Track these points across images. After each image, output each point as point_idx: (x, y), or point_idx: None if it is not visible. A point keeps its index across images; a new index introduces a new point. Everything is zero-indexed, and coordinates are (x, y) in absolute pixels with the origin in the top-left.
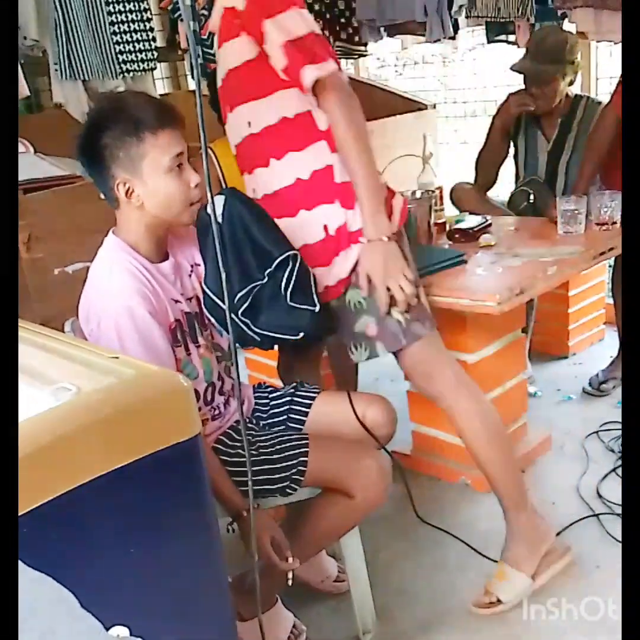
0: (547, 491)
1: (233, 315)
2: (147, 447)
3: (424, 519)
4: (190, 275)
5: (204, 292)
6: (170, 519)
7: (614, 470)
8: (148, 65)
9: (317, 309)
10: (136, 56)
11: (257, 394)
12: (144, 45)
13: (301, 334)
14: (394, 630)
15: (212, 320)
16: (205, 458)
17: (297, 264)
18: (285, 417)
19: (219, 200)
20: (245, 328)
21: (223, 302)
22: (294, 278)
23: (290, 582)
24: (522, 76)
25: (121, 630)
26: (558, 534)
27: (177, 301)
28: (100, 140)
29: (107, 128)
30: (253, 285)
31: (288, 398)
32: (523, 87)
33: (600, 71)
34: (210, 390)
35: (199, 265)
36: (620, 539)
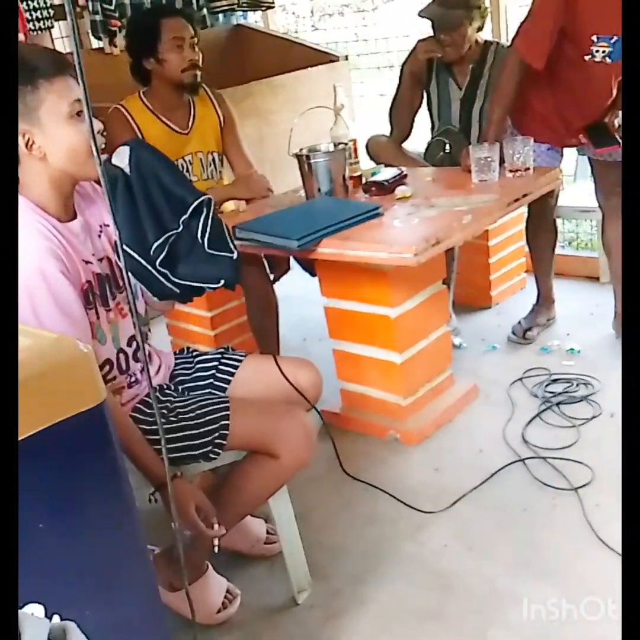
0: (475, 440)
1: (150, 267)
2: (49, 418)
3: (352, 475)
4: (99, 236)
5: (115, 246)
6: (80, 490)
7: (537, 415)
8: (44, 23)
9: (235, 255)
10: (31, 14)
11: (179, 359)
12: (38, 3)
13: (222, 282)
14: (328, 587)
15: (131, 277)
16: (119, 426)
17: (211, 211)
18: (209, 381)
19: (125, 151)
20: (163, 280)
21: (140, 255)
22: (209, 224)
23: (216, 549)
24: (430, 23)
25: (35, 608)
26: (485, 480)
27: (87, 262)
28: None
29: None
30: (169, 234)
31: (214, 363)
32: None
33: (509, 17)
34: (122, 357)
35: (108, 225)
36: (545, 482)
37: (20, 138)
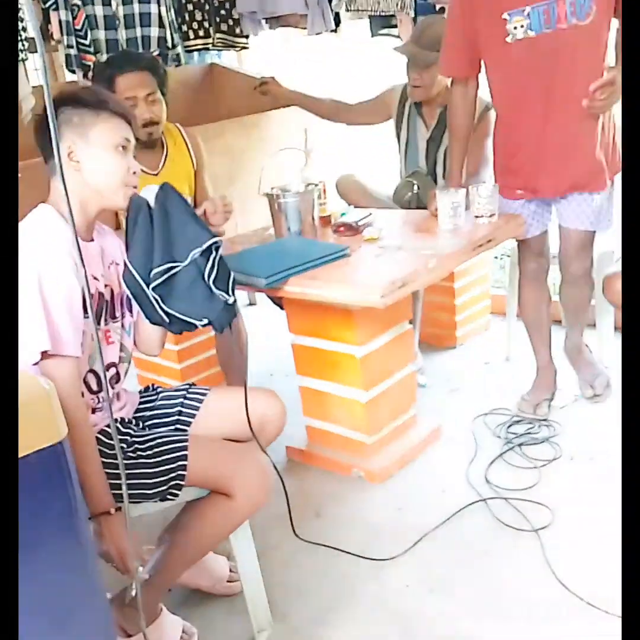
0: (438, 479)
1: (146, 288)
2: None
3: (316, 505)
4: (109, 267)
5: (125, 266)
6: (35, 527)
7: (500, 455)
8: (18, 55)
9: (232, 300)
10: None
11: (144, 396)
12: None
13: (205, 321)
14: (289, 627)
15: (128, 292)
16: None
17: (219, 254)
18: (175, 417)
19: (153, 189)
20: (155, 304)
21: (140, 275)
22: (216, 266)
23: (133, 593)
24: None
25: None
26: (447, 520)
27: (95, 278)
28: (61, 108)
29: (76, 100)
30: (172, 263)
31: (179, 399)
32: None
33: None
34: (92, 378)
35: (118, 264)
36: (507, 522)
37: (65, 147)
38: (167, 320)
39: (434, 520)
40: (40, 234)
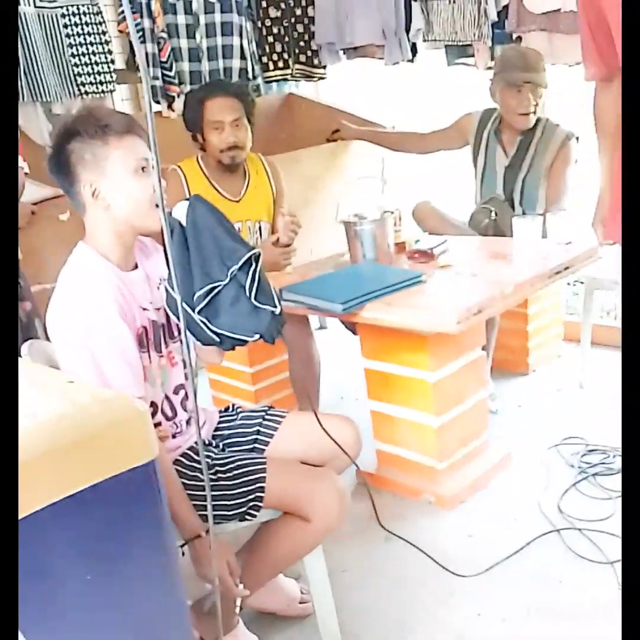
0: (509, 507)
1: (192, 313)
2: (102, 473)
3: (386, 528)
4: (158, 287)
5: (166, 291)
6: (126, 544)
7: (573, 485)
8: (107, 86)
9: (278, 310)
10: (95, 78)
11: (223, 416)
12: (102, 68)
13: (257, 336)
14: None
15: (174, 318)
16: (163, 480)
17: (259, 265)
18: (253, 437)
19: (183, 206)
20: (203, 327)
21: (184, 300)
22: (257, 278)
23: (238, 610)
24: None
25: None
26: (520, 549)
27: (144, 309)
28: (68, 145)
29: (76, 133)
30: (213, 284)
31: (258, 419)
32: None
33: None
34: (167, 405)
35: (166, 279)
36: (580, 553)
37: (87, 187)
38: (217, 339)
39: (506, 548)
40: (83, 283)
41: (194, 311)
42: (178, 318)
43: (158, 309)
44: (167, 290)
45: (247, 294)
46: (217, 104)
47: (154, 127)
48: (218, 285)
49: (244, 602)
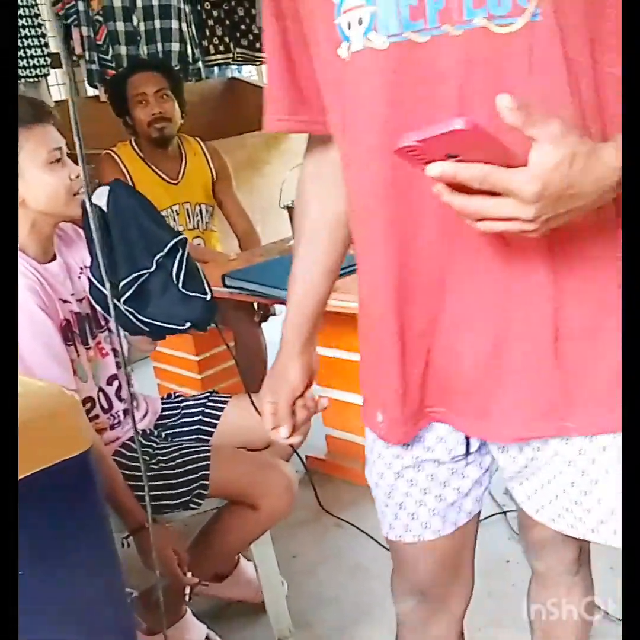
0: None
1: (118, 303)
2: (33, 466)
3: (336, 515)
4: (79, 277)
5: (89, 280)
6: (62, 537)
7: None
8: (40, 71)
9: (209, 297)
10: (28, 62)
11: (166, 404)
12: (35, 51)
13: (188, 324)
14: (311, 636)
15: (100, 308)
16: (101, 471)
17: (186, 251)
18: (196, 426)
19: (104, 191)
20: (130, 316)
21: (105, 289)
22: (184, 264)
23: (187, 598)
24: None
25: None
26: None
27: (66, 301)
28: None
29: None
30: (138, 273)
31: (200, 408)
32: None
33: None
34: (102, 396)
35: (88, 267)
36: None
37: None
38: (146, 329)
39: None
40: None
41: (119, 300)
42: (103, 308)
43: (80, 300)
44: (90, 279)
45: (175, 281)
46: (139, 78)
47: (77, 111)
48: (144, 274)
49: (207, 592)
